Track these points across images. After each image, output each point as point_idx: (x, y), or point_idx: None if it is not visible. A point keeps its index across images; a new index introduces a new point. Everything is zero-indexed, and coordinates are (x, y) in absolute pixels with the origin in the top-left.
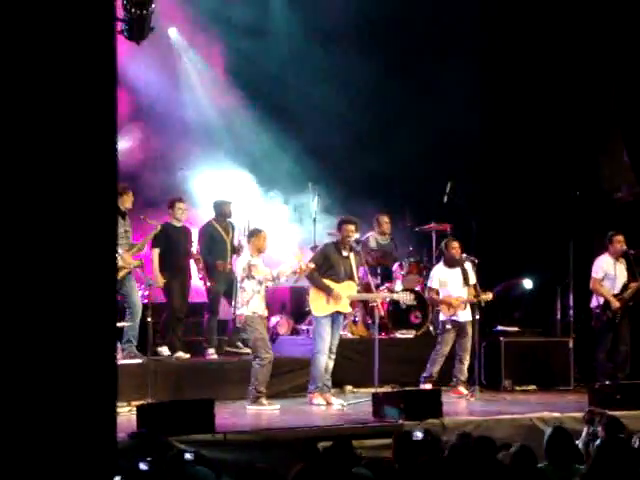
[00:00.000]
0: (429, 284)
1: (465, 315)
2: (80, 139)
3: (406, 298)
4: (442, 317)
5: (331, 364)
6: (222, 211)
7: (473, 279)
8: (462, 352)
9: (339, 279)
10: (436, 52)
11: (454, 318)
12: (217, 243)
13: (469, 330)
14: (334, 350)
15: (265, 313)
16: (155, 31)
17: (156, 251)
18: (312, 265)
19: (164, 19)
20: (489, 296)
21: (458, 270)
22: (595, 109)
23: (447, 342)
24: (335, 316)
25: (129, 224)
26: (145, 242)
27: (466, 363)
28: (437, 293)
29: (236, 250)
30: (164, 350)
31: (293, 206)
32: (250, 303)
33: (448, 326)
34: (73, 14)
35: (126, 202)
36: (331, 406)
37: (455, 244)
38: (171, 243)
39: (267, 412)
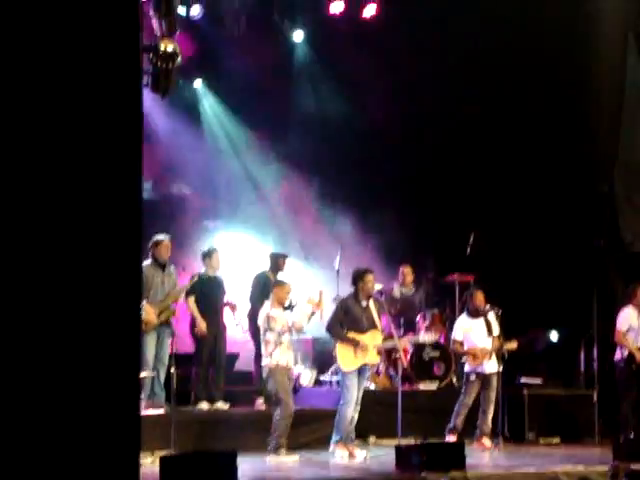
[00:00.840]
0: (453, 336)
1: (490, 367)
2: (107, 192)
3: (430, 338)
4: (467, 368)
5: (356, 416)
6: (277, 263)
7: (497, 329)
8: (486, 404)
9: (363, 330)
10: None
11: (479, 370)
12: (267, 294)
13: (494, 382)
14: (359, 402)
15: (289, 364)
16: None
17: (192, 299)
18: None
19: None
20: (514, 345)
21: (482, 320)
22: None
23: (470, 393)
24: (362, 368)
25: (171, 274)
26: (181, 292)
27: (490, 415)
28: (461, 344)
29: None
30: (203, 405)
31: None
32: (273, 354)
33: (472, 377)
34: (101, 68)
35: (162, 253)
36: (354, 458)
37: (480, 294)
38: (205, 293)
39: (288, 463)
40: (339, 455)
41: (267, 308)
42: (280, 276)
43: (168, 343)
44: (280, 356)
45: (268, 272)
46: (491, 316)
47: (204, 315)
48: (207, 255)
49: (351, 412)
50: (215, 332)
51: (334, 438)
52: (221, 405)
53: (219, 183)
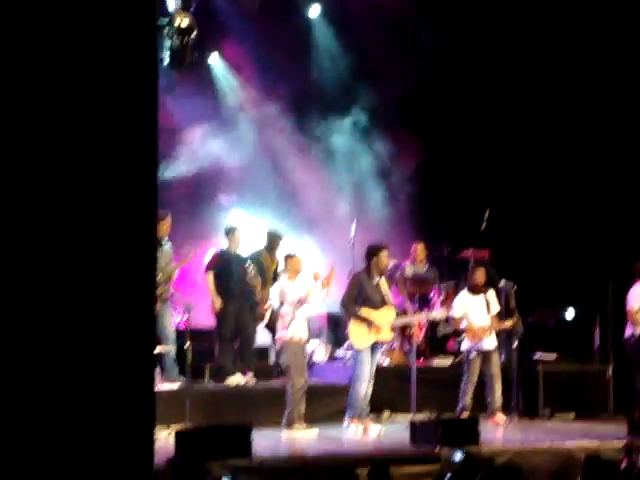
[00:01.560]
0: (452, 313)
1: (489, 343)
2: (122, 171)
3: (442, 313)
4: (465, 346)
5: (370, 391)
6: (272, 242)
7: (496, 307)
8: (491, 380)
9: (376, 307)
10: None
11: (477, 347)
12: (261, 272)
13: (494, 358)
14: (372, 378)
15: (304, 337)
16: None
17: (210, 274)
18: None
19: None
20: (508, 323)
21: (481, 297)
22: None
23: (474, 371)
24: (375, 344)
25: (167, 251)
26: (175, 270)
27: (498, 391)
28: (460, 321)
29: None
30: (235, 378)
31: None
32: (289, 328)
33: (472, 355)
34: (116, 44)
35: (162, 230)
36: (368, 433)
37: (480, 271)
38: (228, 269)
39: (304, 438)
40: (353, 430)
41: (283, 281)
42: (276, 255)
43: (170, 319)
44: (296, 330)
45: (263, 250)
46: (490, 293)
47: (226, 291)
48: (229, 232)
49: (365, 388)
50: (238, 307)
51: (348, 413)
52: (247, 379)
53: (235, 158)
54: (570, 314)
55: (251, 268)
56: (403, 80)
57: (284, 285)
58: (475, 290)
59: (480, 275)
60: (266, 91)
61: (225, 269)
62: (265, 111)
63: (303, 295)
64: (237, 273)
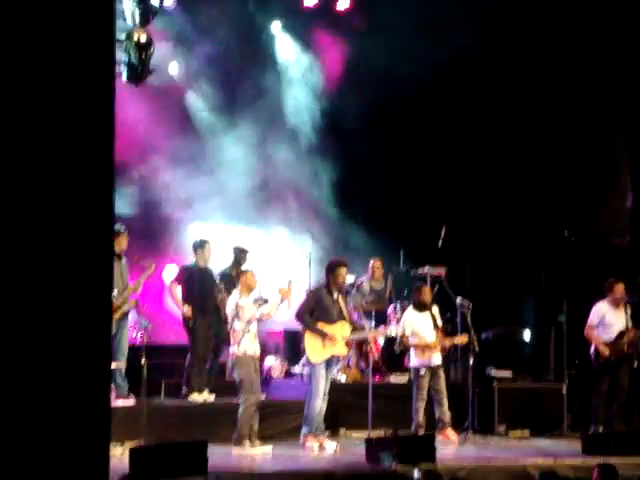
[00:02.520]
0: (401, 330)
1: (436, 359)
2: (78, 183)
3: (397, 330)
4: (414, 363)
5: (324, 407)
6: (238, 258)
7: (440, 323)
8: (439, 395)
9: (333, 321)
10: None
11: (427, 363)
12: (233, 288)
13: (441, 373)
14: (327, 393)
15: (257, 354)
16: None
17: (175, 286)
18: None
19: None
20: (464, 339)
21: (427, 314)
22: (595, 152)
23: (423, 387)
24: (330, 359)
25: (125, 266)
26: (140, 283)
27: (446, 406)
28: (408, 338)
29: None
30: (195, 397)
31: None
32: (241, 343)
33: (422, 372)
34: (73, 57)
35: (122, 244)
36: (324, 449)
37: (427, 289)
38: (196, 284)
39: (259, 454)
40: (309, 447)
41: (236, 297)
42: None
43: (127, 334)
44: (248, 345)
45: (230, 267)
46: (435, 310)
47: (199, 307)
48: (199, 246)
49: (320, 404)
50: (210, 321)
51: (304, 430)
52: (207, 396)
53: (193, 168)
54: (527, 335)
55: (221, 286)
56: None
57: (238, 301)
58: (421, 307)
59: (427, 292)
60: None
61: (195, 283)
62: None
63: (264, 312)
64: (209, 288)
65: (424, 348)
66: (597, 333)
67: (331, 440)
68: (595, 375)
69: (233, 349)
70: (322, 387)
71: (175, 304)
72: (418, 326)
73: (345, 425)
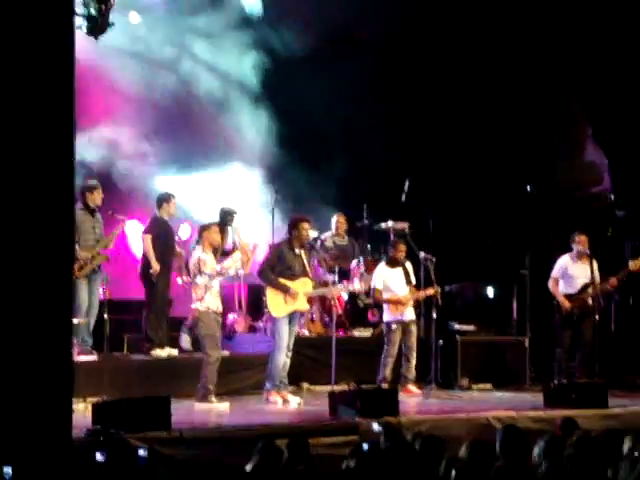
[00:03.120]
0: (373, 284)
1: (409, 314)
2: (36, 135)
3: (359, 287)
4: (387, 318)
5: (288, 362)
6: (224, 219)
7: (414, 278)
8: (409, 351)
9: (295, 277)
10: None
11: (399, 318)
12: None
13: (413, 329)
14: (291, 348)
15: (219, 309)
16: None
17: (148, 237)
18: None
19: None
20: (431, 291)
21: (400, 270)
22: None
23: (394, 342)
24: (292, 314)
25: (100, 220)
26: (111, 238)
27: (413, 362)
28: (381, 293)
29: (226, 253)
30: (158, 352)
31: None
32: (204, 299)
33: (394, 326)
34: (32, 10)
35: (96, 199)
36: (288, 404)
37: (402, 245)
38: (160, 236)
39: (220, 409)
40: (272, 401)
41: (198, 252)
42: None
43: (98, 289)
44: (210, 301)
45: (214, 225)
46: (408, 265)
47: (162, 261)
48: (165, 200)
49: (283, 358)
50: (167, 277)
51: (267, 385)
52: (170, 350)
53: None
54: (490, 291)
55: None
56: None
57: (200, 256)
58: (394, 263)
59: (401, 248)
60: None
61: (161, 237)
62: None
63: (224, 266)
64: (171, 242)
65: (396, 303)
66: (561, 286)
67: (294, 395)
68: (558, 328)
69: (196, 305)
70: (285, 342)
71: (150, 257)
72: (390, 281)
73: (308, 380)
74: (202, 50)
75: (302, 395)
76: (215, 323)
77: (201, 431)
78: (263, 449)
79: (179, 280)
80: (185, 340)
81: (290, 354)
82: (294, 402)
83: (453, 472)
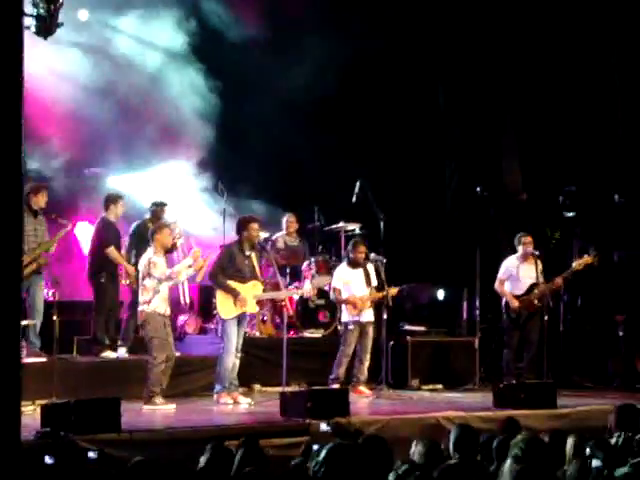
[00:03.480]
0: (333, 284)
1: (367, 315)
2: None
3: (308, 290)
4: (345, 318)
5: (237, 363)
6: (156, 212)
7: (374, 280)
8: (363, 352)
9: (245, 279)
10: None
11: (357, 319)
12: (144, 244)
13: (370, 331)
14: (240, 349)
15: (167, 312)
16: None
17: (112, 249)
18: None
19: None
20: (394, 291)
21: (361, 271)
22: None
23: (350, 342)
24: (241, 316)
25: (43, 222)
26: (54, 242)
27: (366, 363)
28: (340, 293)
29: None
30: (108, 354)
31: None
32: (152, 301)
33: (351, 326)
34: None
35: (39, 201)
36: (239, 405)
37: (362, 246)
38: (112, 240)
39: (165, 411)
40: (223, 403)
41: (150, 253)
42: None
43: (42, 291)
44: (158, 304)
45: (147, 221)
46: (369, 267)
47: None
48: (112, 201)
49: (232, 360)
50: (117, 279)
51: (217, 387)
52: (121, 352)
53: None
54: (440, 294)
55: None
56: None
57: (151, 258)
58: (354, 264)
59: (361, 249)
60: None
61: (112, 240)
62: None
63: (174, 270)
64: (118, 242)
65: (355, 304)
66: (507, 287)
67: (246, 396)
68: (506, 329)
69: (143, 307)
70: (233, 344)
71: (124, 265)
72: (349, 282)
73: (260, 381)
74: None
75: (253, 396)
76: (162, 326)
77: (152, 433)
78: (213, 450)
79: (123, 281)
80: (121, 351)
81: (239, 355)
82: (245, 403)
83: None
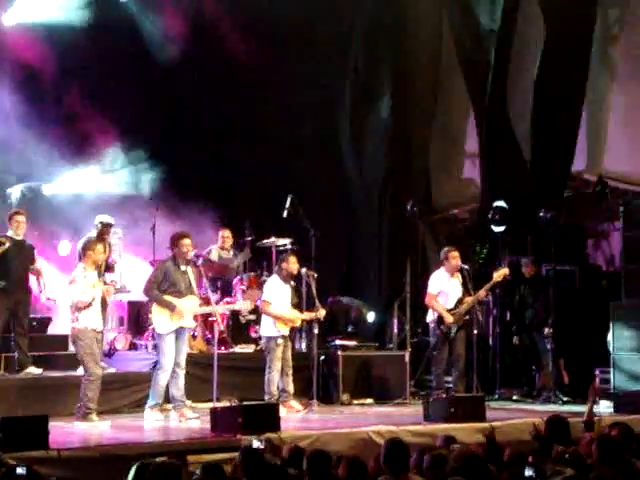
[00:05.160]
0: (264, 297)
1: (286, 329)
2: None
3: (246, 306)
4: (271, 332)
5: (182, 379)
6: (102, 231)
7: (295, 298)
8: (287, 366)
9: (181, 294)
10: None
11: (283, 332)
12: None
13: (289, 343)
14: (183, 365)
15: (99, 327)
16: None
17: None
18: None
19: None
20: (323, 313)
21: (289, 286)
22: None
23: (279, 357)
24: (180, 331)
25: None
26: None
27: (291, 375)
28: (270, 306)
29: (110, 268)
30: (33, 370)
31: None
32: (81, 317)
33: (280, 341)
34: None
35: None
36: (169, 421)
37: (294, 260)
38: (5, 258)
39: (101, 428)
40: (154, 419)
41: (80, 269)
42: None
43: None
44: (89, 320)
45: (93, 239)
46: (292, 284)
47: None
48: (9, 217)
49: (166, 377)
50: (18, 298)
51: (150, 403)
52: (32, 370)
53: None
54: (371, 317)
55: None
56: None
57: (82, 274)
58: (286, 278)
59: (294, 260)
60: None
61: (17, 258)
62: None
63: (82, 301)
64: (19, 261)
65: (284, 319)
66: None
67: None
68: (435, 343)
69: (74, 324)
70: (170, 361)
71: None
72: (280, 296)
73: (191, 397)
74: None
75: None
76: (94, 342)
77: (79, 450)
78: (139, 469)
79: (42, 297)
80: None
81: (183, 371)
82: (193, 418)
83: None
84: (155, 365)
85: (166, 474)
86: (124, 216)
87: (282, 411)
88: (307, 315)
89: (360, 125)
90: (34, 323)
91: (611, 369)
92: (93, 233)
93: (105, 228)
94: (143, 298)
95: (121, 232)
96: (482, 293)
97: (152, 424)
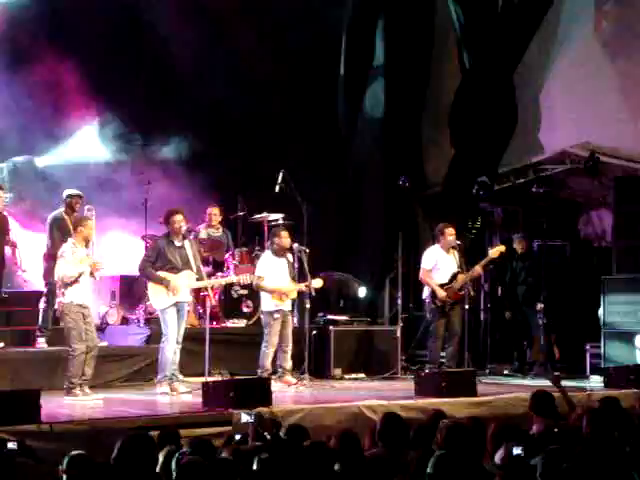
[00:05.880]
0: (257, 272)
1: (288, 304)
2: None
3: (245, 279)
4: (269, 307)
5: (178, 354)
6: (71, 203)
7: (293, 271)
8: (285, 342)
9: (177, 270)
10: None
11: (280, 307)
12: (66, 235)
13: (290, 319)
14: (180, 340)
15: (85, 302)
16: None
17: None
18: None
19: None
20: (320, 283)
21: (284, 260)
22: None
23: (276, 332)
24: (179, 305)
25: None
26: None
27: (289, 352)
28: (264, 281)
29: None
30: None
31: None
32: (67, 292)
33: (276, 315)
34: None
35: None
36: (179, 395)
37: (286, 234)
38: None
39: (90, 403)
40: (163, 392)
41: (69, 244)
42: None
43: None
44: (75, 295)
45: (63, 212)
46: (289, 257)
47: None
48: None
49: (172, 349)
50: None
51: (158, 376)
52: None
53: None
54: (362, 292)
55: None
56: None
57: (70, 248)
58: (279, 253)
59: (286, 234)
60: None
61: None
62: None
63: (68, 276)
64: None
65: (279, 293)
66: (432, 276)
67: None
68: (432, 319)
69: (60, 298)
70: (173, 332)
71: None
72: (274, 270)
73: (182, 371)
74: None
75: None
76: (80, 317)
77: (71, 424)
78: (131, 441)
79: (19, 272)
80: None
81: (180, 346)
82: (185, 392)
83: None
84: (148, 340)
85: (139, 447)
86: (115, 189)
87: (276, 386)
88: (303, 285)
89: (354, 102)
90: (4, 295)
91: (602, 344)
92: (62, 207)
93: (73, 199)
94: (135, 272)
95: (94, 210)
96: (477, 269)
97: (142, 397)
